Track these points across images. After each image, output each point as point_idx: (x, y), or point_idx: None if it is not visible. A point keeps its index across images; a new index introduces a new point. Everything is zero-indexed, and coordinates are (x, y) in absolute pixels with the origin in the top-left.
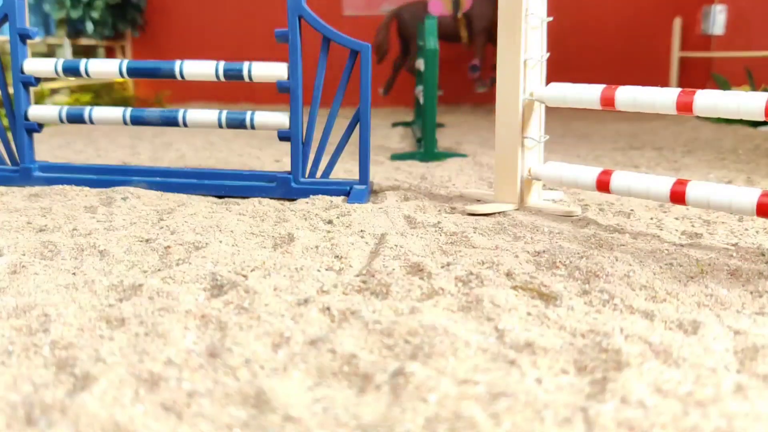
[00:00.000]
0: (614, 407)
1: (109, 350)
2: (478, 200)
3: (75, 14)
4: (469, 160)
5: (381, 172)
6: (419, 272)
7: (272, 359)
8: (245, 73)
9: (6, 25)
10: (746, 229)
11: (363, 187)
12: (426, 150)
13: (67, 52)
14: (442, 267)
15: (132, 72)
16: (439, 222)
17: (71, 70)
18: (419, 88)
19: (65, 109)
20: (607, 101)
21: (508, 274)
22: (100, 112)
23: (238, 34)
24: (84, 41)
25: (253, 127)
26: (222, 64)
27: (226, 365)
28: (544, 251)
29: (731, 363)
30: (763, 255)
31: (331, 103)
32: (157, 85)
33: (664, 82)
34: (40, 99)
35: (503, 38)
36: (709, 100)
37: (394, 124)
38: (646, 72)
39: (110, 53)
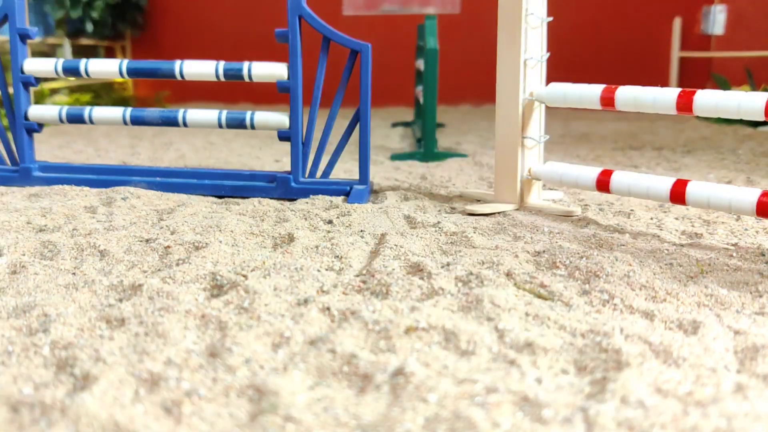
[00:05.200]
0: (614, 407)
1: (109, 350)
2: (478, 200)
3: (75, 14)
4: (469, 160)
5: (381, 172)
6: (419, 272)
7: (272, 359)
8: (245, 73)
9: (6, 25)
10: (746, 229)
11: (363, 187)
12: (426, 150)
13: (67, 52)
14: (442, 267)
15: (132, 72)
16: (439, 222)
17: (71, 70)
18: (419, 88)
19: (65, 109)
20: (607, 101)
21: (508, 274)
22: (100, 112)
23: (238, 34)
24: (84, 41)
25: (253, 127)
26: (222, 64)
27: (226, 365)
28: (544, 251)
29: (731, 363)
30: (763, 255)
31: (331, 103)
32: (157, 85)
33: (664, 82)
34: (40, 99)
35: (503, 38)
36: (709, 100)
37: (394, 124)
38: (646, 72)
39: (110, 53)
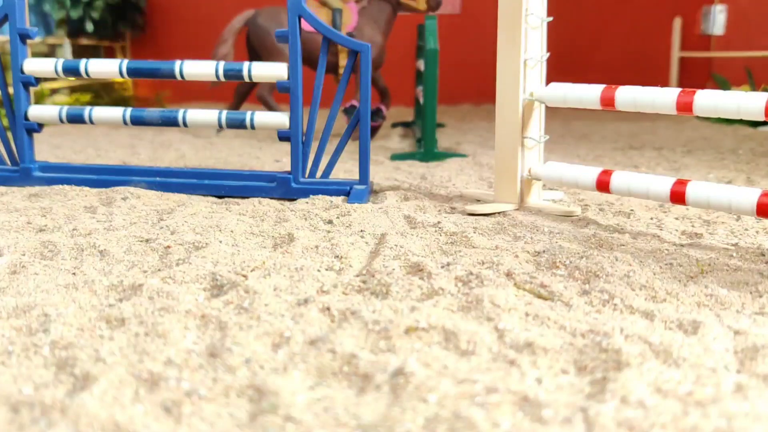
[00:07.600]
0: (614, 407)
1: (109, 350)
2: (478, 200)
3: (75, 14)
4: (469, 160)
5: (381, 172)
6: (419, 272)
7: (272, 359)
8: (245, 73)
9: (6, 25)
10: (746, 229)
11: (363, 187)
12: (426, 150)
13: (67, 52)
14: (442, 267)
15: (132, 72)
16: (439, 222)
17: (71, 70)
18: (419, 88)
19: (65, 109)
20: (607, 101)
21: (508, 274)
22: (100, 112)
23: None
24: (84, 41)
25: (253, 127)
26: (222, 64)
27: (226, 365)
28: (544, 251)
29: (731, 363)
30: (763, 255)
31: (331, 103)
32: (157, 85)
33: (664, 82)
34: (40, 99)
35: (503, 38)
36: (709, 100)
37: (394, 124)
38: (646, 72)
39: (110, 53)
